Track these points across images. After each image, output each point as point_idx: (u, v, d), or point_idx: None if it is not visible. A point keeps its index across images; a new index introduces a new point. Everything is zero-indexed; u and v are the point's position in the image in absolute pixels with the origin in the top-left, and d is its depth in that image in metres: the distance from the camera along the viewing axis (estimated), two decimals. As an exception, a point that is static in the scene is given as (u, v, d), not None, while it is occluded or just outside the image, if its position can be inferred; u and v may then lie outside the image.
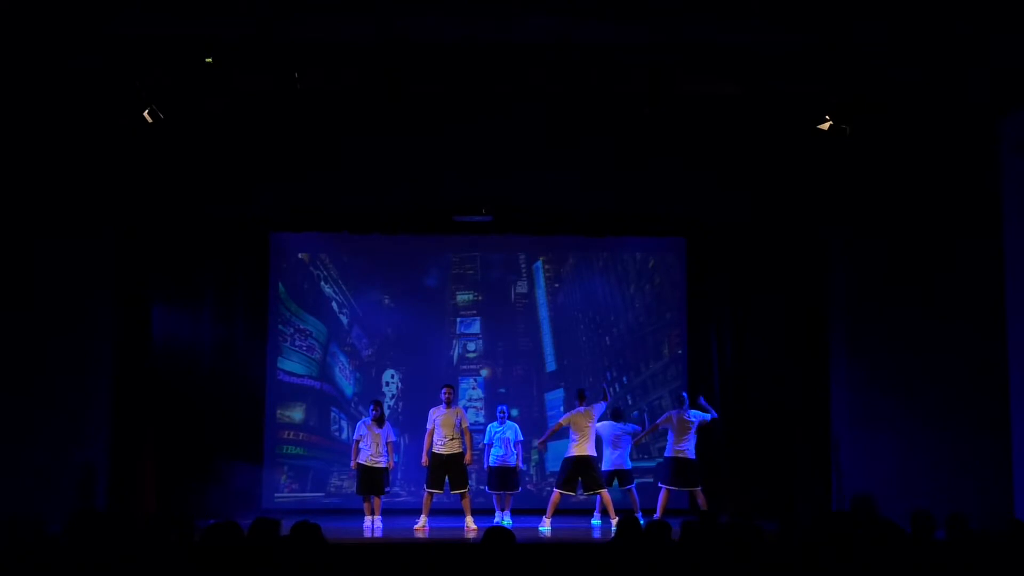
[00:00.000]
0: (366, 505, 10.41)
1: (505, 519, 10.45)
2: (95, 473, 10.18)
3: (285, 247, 12.27)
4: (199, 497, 10.72)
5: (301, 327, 12.24)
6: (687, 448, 10.66)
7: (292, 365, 12.20)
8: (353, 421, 11.61)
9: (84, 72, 8.76)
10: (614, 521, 9.89)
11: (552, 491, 10.54)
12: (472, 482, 10.74)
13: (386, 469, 10.42)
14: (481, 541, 5.11)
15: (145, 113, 8.98)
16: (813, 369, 11.12)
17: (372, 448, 10.34)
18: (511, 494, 10.70)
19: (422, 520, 10.16)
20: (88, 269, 10.08)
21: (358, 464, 10.39)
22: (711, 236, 12.05)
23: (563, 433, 10.58)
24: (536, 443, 11.08)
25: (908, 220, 10.10)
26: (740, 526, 5.34)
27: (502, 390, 12.35)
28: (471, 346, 12.46)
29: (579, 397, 10.50)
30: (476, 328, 12.47)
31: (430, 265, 12.46)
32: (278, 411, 12.11)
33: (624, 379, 12.39)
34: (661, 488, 10.72)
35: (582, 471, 10.29)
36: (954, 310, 9.76)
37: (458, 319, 12.45)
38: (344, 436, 11.98)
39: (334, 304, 12.36)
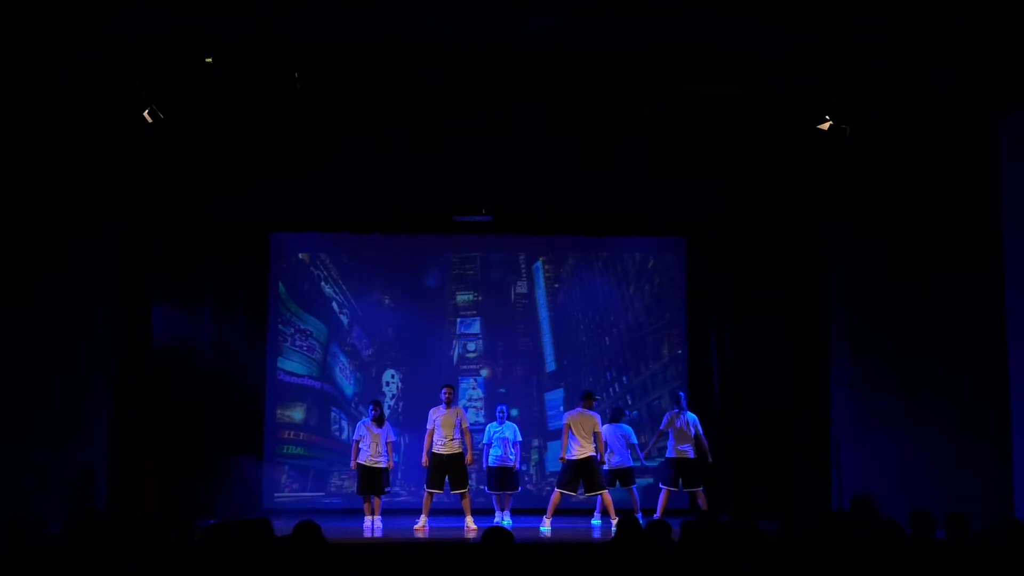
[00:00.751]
0: (366, 505, 10.41)
1: (505, 519, 10.45)
2: (95, 473, 10.18)
3: (285, 247, 12.28)
4: (199, 497, 10.73)
5: (301, 327, 12.24)
6: (688, 449, 10.65)
7: (292, 365, 12.20)
8: (353, 421, 11.61)
9: (84, 72, 8.75)
10: (614, 521, 9.89)
11: (552, 491, 10.54)
12: (472, 482, 10.74)
13: (386, 469, 10.42)
14: (480, 542, 5.11)
15: (145, 113, 8.98)
16: (813, 369, 11.13)
17: (372, 448, 10.34)
18: (511, 494, 10.70)
19: (422, 520, 10.17)
20: (88, 269, 10.07)
21: (358, 464, 10.39)
22: (711, 236, 12.06)
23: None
24: (559, 457, 10.54)
25: (908, 220, 10.09)
26: (740, 526, 5.34)
27: (502, 390, 12.36)
28: (471, 346, 12.46)
29: (583, 398, 10.47)
30: (476, 328, 12.47)
31: (430, 265, 12.46)
32: (278, 411, 12.11)
33: (624, 379, 12.39)
34: (662, 489, 10.73)
35: (583, 472, 10.28)
36: (954, 310, 9.75)
37: (458, 319, 12.46)
38: (344, 436, 11.99)
39: (334, 304, 12.36)
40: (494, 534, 5.13)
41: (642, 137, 10.02)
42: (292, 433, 12.14)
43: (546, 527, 10.16)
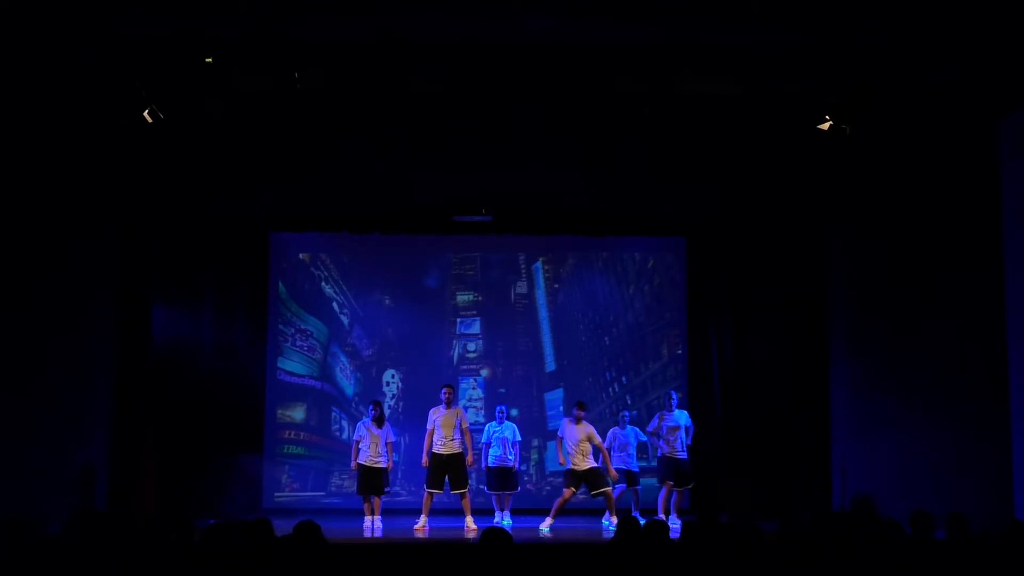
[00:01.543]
0: (366, 505, 10.41)
1: (505, 519, 10.45)
2: (95, 473, 10.17)
3: (285, 247, 12.28)
4: (199, 497, 10.71)
5: (302, 327, 12.25)
6: (678, 448, 10.66)
7: (293, 365, 12.20)
8: (354, 421, 11.61)
9: (84, 72, 8.75)
10: (614, 520, 9.89)
11: (552, 490, 10.51)
12: (472, 482, 10.74)
13: (386, 469, 10.42)
14: (479, 542, 5.11)
15: (145, 113, 8.98)
16: (813, 369, 11.13)
17: (372, 448, 10.34)
18: (510, 494, 10.69)
19: (422, 520, 10.16)
20: (88, 269, 10.07)
21: (358, 464, 10.39)
22: (711, 236, 12.06)
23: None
24: (560, 460, 10.61)
25: (908, 220, 10.09)
26: (740, 526, 5.35)
27: (502, 390, 12.36)
28: (471, 346, 12.46)
29: (577, 407, 10.47)
30: (476, 328, 12.47)
31: (430, 265, 12.46)
32: (279, 411, 12.11)
33: (624, 379, 12.39)
34: (662, 487, 10.74)
35: (584, 478, 10.29)
36: (954, 310, 9.75)
37: (458, 319, 12.46)
38: (345, 436, 11.99)
39: (335, 304, 12.36)
40: (493, 534, 5.13)
41: (642, 137, 10.02)
42: (292, 433, 12.14)
43: (546, 527, 10.15)
